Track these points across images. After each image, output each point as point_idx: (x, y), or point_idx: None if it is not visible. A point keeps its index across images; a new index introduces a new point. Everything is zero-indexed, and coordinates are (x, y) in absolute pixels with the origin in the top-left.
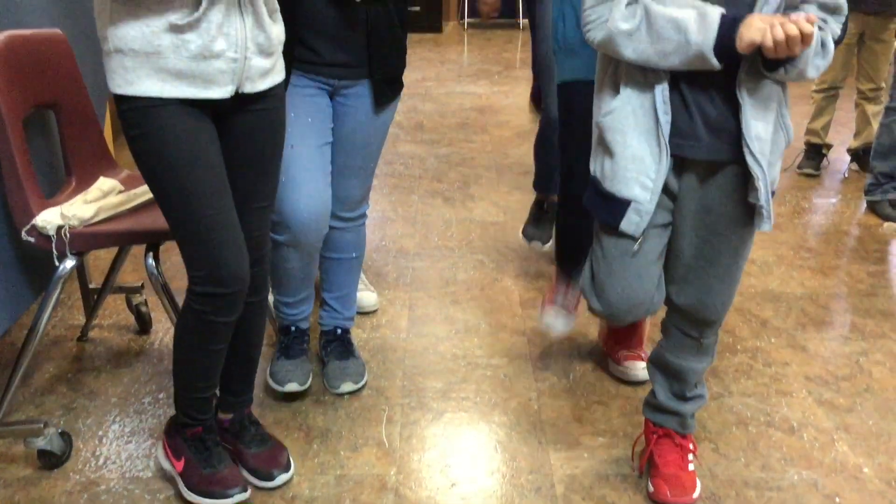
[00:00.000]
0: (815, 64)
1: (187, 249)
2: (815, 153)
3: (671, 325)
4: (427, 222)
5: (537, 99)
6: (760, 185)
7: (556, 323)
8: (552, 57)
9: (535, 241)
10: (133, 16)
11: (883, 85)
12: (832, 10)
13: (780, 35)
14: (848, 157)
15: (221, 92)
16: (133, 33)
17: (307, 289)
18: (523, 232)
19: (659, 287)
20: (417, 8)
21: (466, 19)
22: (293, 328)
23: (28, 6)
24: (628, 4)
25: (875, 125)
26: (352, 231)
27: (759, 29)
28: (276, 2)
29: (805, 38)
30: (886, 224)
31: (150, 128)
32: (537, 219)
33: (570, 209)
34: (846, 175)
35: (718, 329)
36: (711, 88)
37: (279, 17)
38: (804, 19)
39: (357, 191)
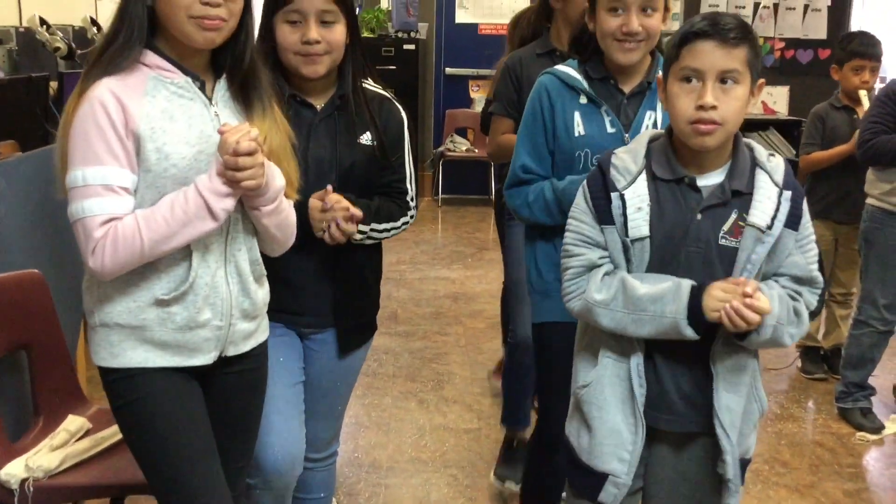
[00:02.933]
0: (790, 332)
1: None
2: (815, 354)
3: None
4: (400, 429)
5: None
6: (728, 458)
7: None
8: (522, 282)
9: (508, 482)
10: (120, 291)
11: (854, 290)
12: (806, 283)
13: (733, 314)
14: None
15: (205, 359)
16: (119, 308)
17: None
18: (495, 472)
19: None
20: None
21: (441, 195)
22: None
23: (10, 246)
24: (605, 276)
25: (843, 328)
26: (321, 471)
27: (714, 308)
28: (264, 267)
29: (759, 312)
30: (859, 434)
31: (135, 397)
32: (508, 458)
33: (543, 453)
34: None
35: None
36: (685, 360)
37: (265, 280)
38: (752, 291)
39: (325, 433)
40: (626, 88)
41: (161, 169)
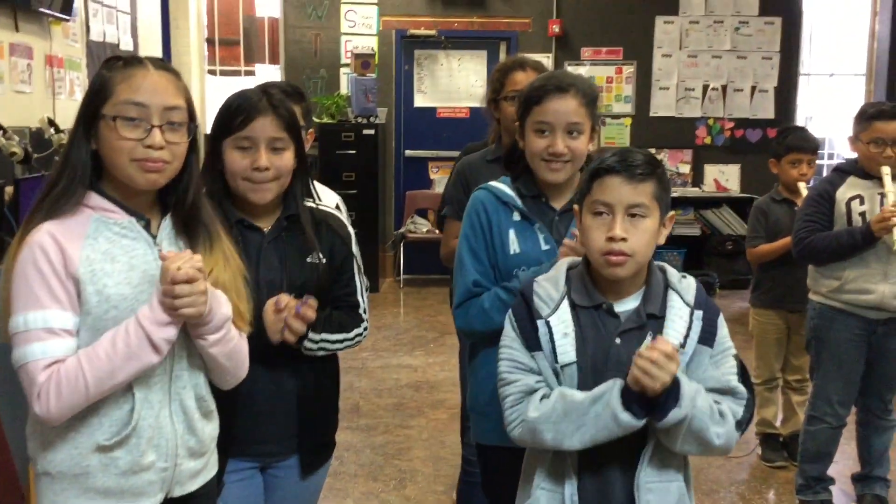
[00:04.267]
0: (715, 431)
1: None
2: (775, 442)
3: None
4: None
5: None
6: None
7: None
8: None
9: None
10: (61, 438)
11: (807, 376)
12: (727, 393)
13: (639, 360)
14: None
15: (150, 502)
16: (61, 456)
17: None
18: None
19: None
20: None
21: (402, 276)
22: None
23: None
24: (543, 398)
25: (801, 414)
26: None
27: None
28: (213, 402)
29: (671, 357)
30: None
31: None
32: None
33: None
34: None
35: None
36: (618, 484)
37: (215, 414)
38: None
39: None
40: (558, 205)
41: (101, 311)
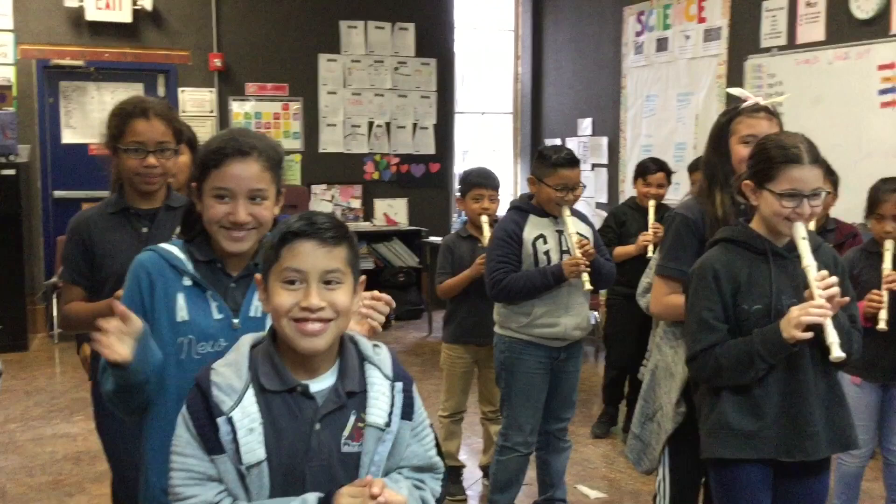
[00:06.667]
0: None
1: None
2: (456, 476)
3: None
4: None
5: None
6: None
7: None
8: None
9: None
10: None
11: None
12: (427, 470)
13: None
14: (480, 473)
15: None
16: None
17: None
18: None
19: None
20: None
21: (56, 330)
22: None
23: None
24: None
25: None
26: None
27: None
28: None
29: None
30: None
31: None
32: None
33: None
34: (482, 491)
35: None
36: None
37: None
38: (380, 489)
39: None
40: (234, 272)
41: None
